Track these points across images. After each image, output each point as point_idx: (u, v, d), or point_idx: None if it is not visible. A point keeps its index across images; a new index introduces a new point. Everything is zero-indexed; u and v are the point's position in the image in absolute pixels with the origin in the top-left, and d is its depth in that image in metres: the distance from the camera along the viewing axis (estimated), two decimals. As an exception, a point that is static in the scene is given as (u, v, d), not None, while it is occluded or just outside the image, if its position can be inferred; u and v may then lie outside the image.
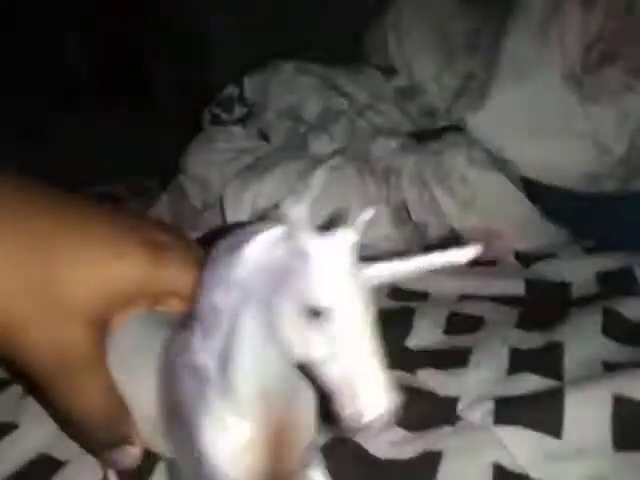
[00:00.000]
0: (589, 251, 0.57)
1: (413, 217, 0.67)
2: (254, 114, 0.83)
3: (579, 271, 0.54)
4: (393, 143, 0.71)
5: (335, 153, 0.70)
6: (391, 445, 0.36)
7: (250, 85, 0.85)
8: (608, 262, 0.53)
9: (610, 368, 0.38)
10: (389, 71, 0.80)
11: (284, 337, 0.19)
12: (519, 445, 0.33)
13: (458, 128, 0.72)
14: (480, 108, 0.62)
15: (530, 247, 0.62)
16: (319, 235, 0.18)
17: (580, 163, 0.58)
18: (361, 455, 0.35)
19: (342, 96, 0.78)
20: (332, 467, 0.34)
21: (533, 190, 0.63)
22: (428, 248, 0.66)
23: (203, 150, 0.80)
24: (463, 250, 0.19)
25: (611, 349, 0.41)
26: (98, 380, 0.25)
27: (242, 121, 0.84)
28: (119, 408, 0.26)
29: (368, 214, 0.20)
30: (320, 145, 0.72)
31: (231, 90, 0.85)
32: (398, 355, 0.45)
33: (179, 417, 0.23)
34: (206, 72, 1.27)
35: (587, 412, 0.34)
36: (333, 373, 0.18)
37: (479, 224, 0.64)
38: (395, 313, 0.51)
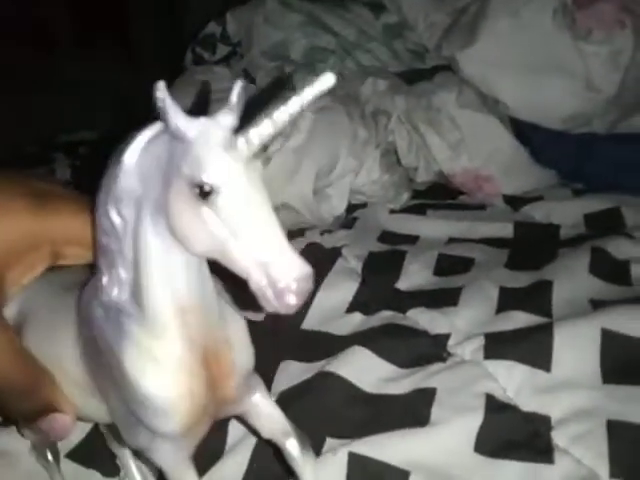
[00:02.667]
0: (578, 193, 0.57)
1: (402, 160, 0.67)
2: (238, 53, 0.80)
3: (567, 213, 0.54)
4: (382, 84, 0.69)
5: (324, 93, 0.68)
6: (384, 381, 0.36)
7: (233, 23, 0.81)
8: (596, 203, 0.53)
9: (597, 305, 0.39)
10: (378, 7, 0.77)
11: (183, 234, 0.19)
12: (509, 378, 0.34)
13: (448, 68, 0.70)
14: (470, 46, 0.60)
15: (519, 190, 0.62)
16: (193, 118, 0.18)
17: (570, 102, 0.57)
18: (355, 392, 0.36)
19: (329, 34, 0.76)
20: (327, 406, 0.35)
21: (523, 132, 0.63)
22: (417, 193, 0.66)
23: (185, 92, 0.77)
24: (323, 78, 0.19)
25: (598, 287, 0.41)
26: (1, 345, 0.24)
27: (226, 61, 0.81)
28: (35, 373, 0.25)
29: (238, 88, 0.19)
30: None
31: (213, 28, 0.82)
32: (389, 297, 0.45)
33: (105, 362, 0.23)
34: (186, 23, 1.21)
35: (576, 346, 0.35)
36: (238, 252, 0.18)
37: (468, 167, 0.64)
38: (386, 256, 0.51)
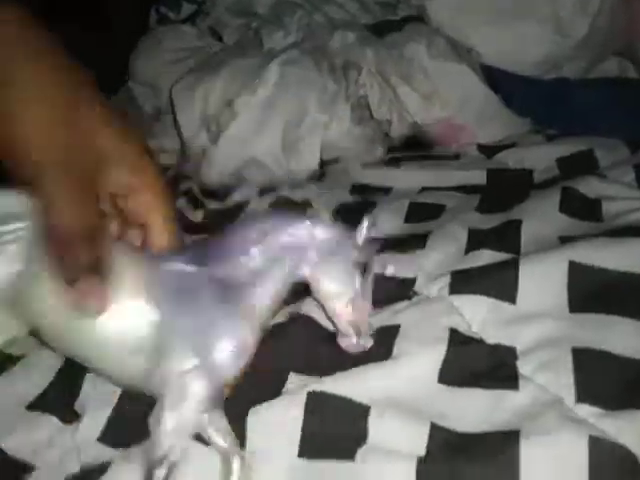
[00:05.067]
0: (551, 138, 0.56)
1: (374, 114, 0.65)
2: (204, 11, 0.78)
3: (540, 158, 0.53)
4: (351, 36, 0.67)
5: (291, 47, 0.66)
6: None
7: (197, -21, 0.79)
8: (569, 147, 0.52)
9: (566, 241, 0.38)
10: (346, -42, 0.74)
11: None
12: (474, 312, 0.33)
13: (418, 18, 0.68)
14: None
15: (493, 138, 0.61)
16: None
17: (540, 47, 0.56)
18: (322, 333, 0.35)
19: (295, -13, 0.73)
20: (293, 344, 0.34)
21: (495, 79, 0.61)
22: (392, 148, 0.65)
23: (151, 52, 0.75)
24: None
25: (568, 224, 0.41)
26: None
27: (192, 19, 0.79)
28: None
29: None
30: (274, 40, 0.68)
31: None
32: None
33: None
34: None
35: (542, 278, 0.34)
36: None
37: (442, 117, 0.63)
38: (356, 207, 0.50)
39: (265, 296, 0.29)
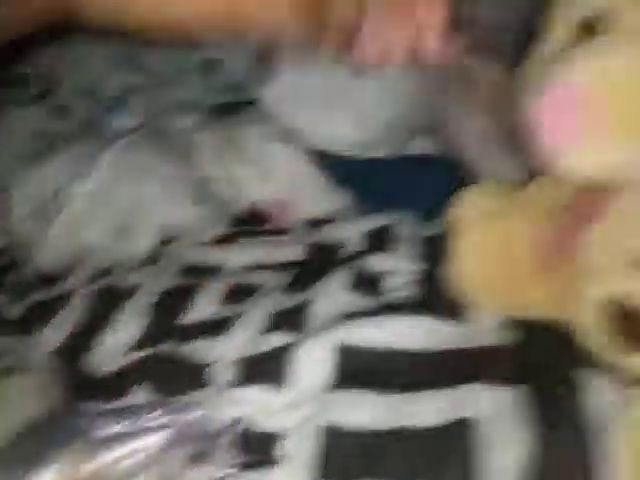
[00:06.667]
0: (365, 213, 0.63)
1: (214, 193, 0.69)
2: (51, 91, 0.79)
3: (352, 232, 0.59)
4: (193, 119, 0.72)
5: (133, 130, 0.70)
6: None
7: (45, 60, 0.81)
8: (375, 222, 0.59)
9: (348, 318, 0.43)
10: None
11: None
12: (252, 401, 0.37)
13: (255, 102, 0.74)
14: (271, 84, 0.65)
15: (319, 212, 0.67)
16: None
17: (354, 131, 0.63)
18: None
19: (142, 70, 0.77)
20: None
21: (320, 159, 0.68)
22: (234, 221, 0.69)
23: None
24: None
25: (352, 300, 0.46)
26: None
27: (40, 98, 0.80)
28: None
29: None
30: (118, 122, 0.71)
31: (24, 66, 0.81)
32: (171, 333, 0.47)
33: None
34: None
35: (312, 361, 0.38)
36: None
37: (275, 195, 0.68)
38: (179, 292, 0.53)
39: None
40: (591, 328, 0.34)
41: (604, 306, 0.33)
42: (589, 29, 0.34)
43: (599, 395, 0.33)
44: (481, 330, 0.39)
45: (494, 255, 0.41)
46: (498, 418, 0.33)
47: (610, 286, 0.33)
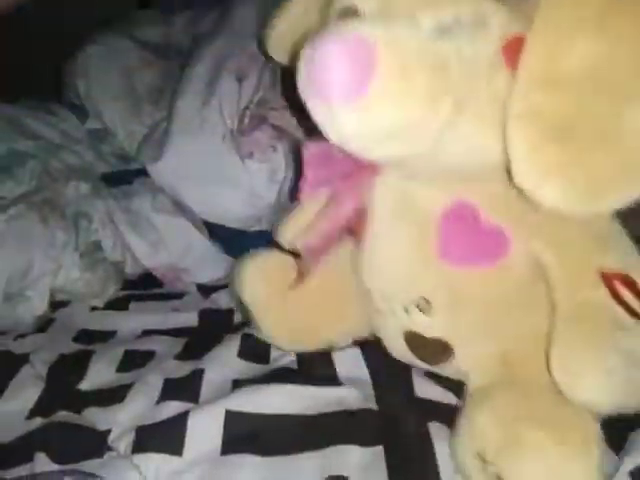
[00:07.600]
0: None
1: (108, 257, 0.72)
2: None
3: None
4: (84, 187, 0.75)
5: (19, 199, 0.70)
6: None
7: None
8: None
9: (238, 385, 0.49)
10: (82, 113, 0.82)
11: None
12: (148, 469, 0.41)
13: (147, 173, 0.79)
14: (158, 160, 0.70)
15: (211, 278, 0.72)
16: None
17: (241, 207, 0.70)
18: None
19: (30, 137, 0.78)
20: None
21: (212, 230, 0.74)
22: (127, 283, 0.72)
23: None
24: None
25: (242, 368, 0.52)
26: None
27: None
28: None
29: None
30: (5, 191, 0.71)
31: None
32: (69, 399, 0.49)
33: None
34: None
35: (204, 427, 0.43)
36: None
37: (167, 262, 0.73)
38: (74, 358, 0.55)
39: None
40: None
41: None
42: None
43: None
44: (350, 396, 0.47)
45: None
46: (366, 475, 0.40)
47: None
